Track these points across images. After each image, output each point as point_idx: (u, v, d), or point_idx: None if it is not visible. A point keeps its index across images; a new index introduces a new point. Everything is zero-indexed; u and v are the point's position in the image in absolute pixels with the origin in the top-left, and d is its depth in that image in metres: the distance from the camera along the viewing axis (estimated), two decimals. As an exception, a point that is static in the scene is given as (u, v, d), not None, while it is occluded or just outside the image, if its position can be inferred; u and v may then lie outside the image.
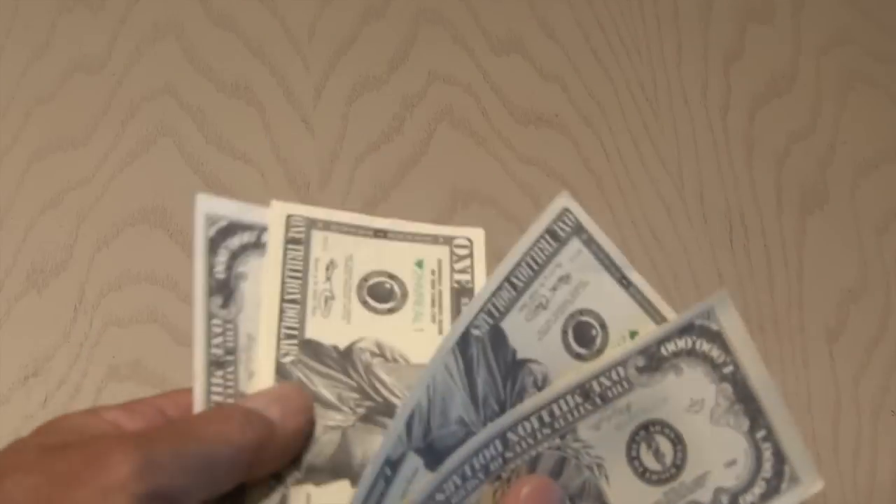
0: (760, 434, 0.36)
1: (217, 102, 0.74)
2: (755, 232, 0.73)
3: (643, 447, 0.35)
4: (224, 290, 0.37)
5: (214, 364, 0.36)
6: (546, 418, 0.34)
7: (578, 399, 0.35)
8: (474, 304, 0.36)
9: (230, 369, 0.36)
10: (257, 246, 0.38)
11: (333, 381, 0.37)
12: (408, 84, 0.76)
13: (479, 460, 0.34)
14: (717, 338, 0.36)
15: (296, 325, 0.37)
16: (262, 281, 0.38)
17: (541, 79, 0.78)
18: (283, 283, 0.37)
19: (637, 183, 0.74)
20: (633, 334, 0.37)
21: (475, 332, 0.35)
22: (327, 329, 0.37)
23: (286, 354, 0.37)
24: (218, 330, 0.36)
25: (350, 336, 0.38)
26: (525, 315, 0.36)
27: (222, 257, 0.38)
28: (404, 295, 0.38)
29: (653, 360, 0.35)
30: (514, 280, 0.37)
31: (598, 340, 0.37)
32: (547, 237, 0.37)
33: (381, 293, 0.38)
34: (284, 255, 0.38)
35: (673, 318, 0.38)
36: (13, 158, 0.70)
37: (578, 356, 0.37)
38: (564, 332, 0.37)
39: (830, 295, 0.71)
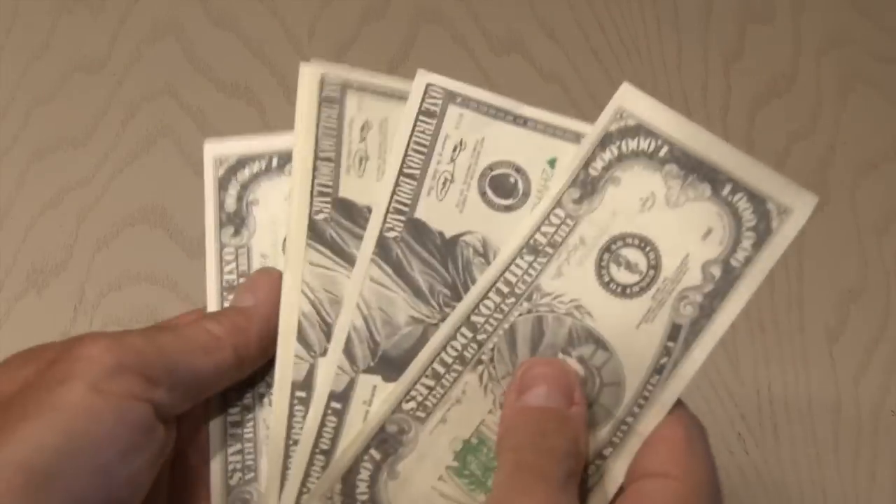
0: (726, 190, 0.34)
1: (217, 102, 0.74)
2: (755, 232, 0.73)
3: (613, 268, 0.34)
4: (235, 219, 0.37)
5: (227, 289, 0.36)
6: (504, 289, 0.34)
7: (528, 258, 0.34)
8: (376, 211, 0.35)
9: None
10: (268, 171, 0.38)
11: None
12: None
13: (451, 353, 0.33)
14: (639, 130, 0.35)
15: (329, 183, 0.36)
16: (295, 141, 0.37)
17: (541, 79, 0.78)
18: (316, 141, 0.37)
19: (637, 183, 0.74)
20: (552, 162, 0.35)
21: (390, 234, 0.35)
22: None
23: (319, 212, 0.36)
24: (230, 257, 0.37)
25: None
26: (435, 196, 0.35)
27: (232, 190, 0.38)
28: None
29: (586, 186, 0.34)
30: (409, 170, 0.35)
31: (521, 185, 0.36)
32: (422, 118, 0.36)
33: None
34: (319, 113, 0.38)
35: (587, 129, 0.36)
36: (13, 158, 0.70)
37: (507, 208, 0.36)
38: (483, 193, 0.36)
39: (830, 295, 0.71)
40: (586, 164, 0.34)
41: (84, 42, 0.75)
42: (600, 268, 0.34)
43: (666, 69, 0.79)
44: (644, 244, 0.33)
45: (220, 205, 0.37)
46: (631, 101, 0.36)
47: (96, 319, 0.65)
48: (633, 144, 0.34)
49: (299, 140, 0.36)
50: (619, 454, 0.32)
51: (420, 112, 0.35)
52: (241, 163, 0.38)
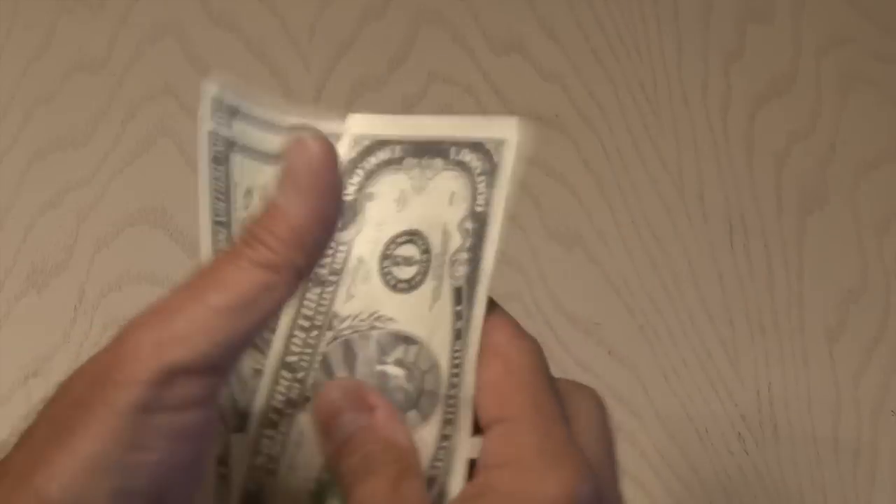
0: (452, 154, 0.35)
1: (217, 102, 0.74)
2: (755, 232, 0.73)
3: (394, 270, 0.34)
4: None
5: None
6: (305, 324, 0.34)
7: (316, 290, 0.34)
8: (203, 250, 0.35)
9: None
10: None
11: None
12: (408, 84, 0.76)
13: (279, 398, 0.34)
14: (374, 147, 0.35)
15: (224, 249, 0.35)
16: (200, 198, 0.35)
17: (541, 79, 0.78)
18: (211, 203, 0.35)
19: (637, 183, 0.74)
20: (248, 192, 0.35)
21: None
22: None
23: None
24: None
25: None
26: None
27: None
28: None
29: (346, 213, 0.35)
30: (218, 219, 0.35)
31: None
32: (214, 165, 0.35)
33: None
34: (211, 172, 0.35)
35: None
36: (13, 158, 0.70)
37: None
38: None
39: (830, 295, 0.71)
40: (360, 188, 0.35)
41: (84, 42, 0.75)
42: (384, 275, 0.34)
43: (666, 69, 0.79)
44: (411, 236, 0.35)
45: (214, 183, 0.35)
46: (360, 127, 0.36)
47: (96, 319, 0.65)
48: (374, 160, 0.35)
49: (201, 199, 0.35)
50: (459, 426, 0.33)
51: (211, 161, 0.35)
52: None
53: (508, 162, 0.35)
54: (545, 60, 0.78)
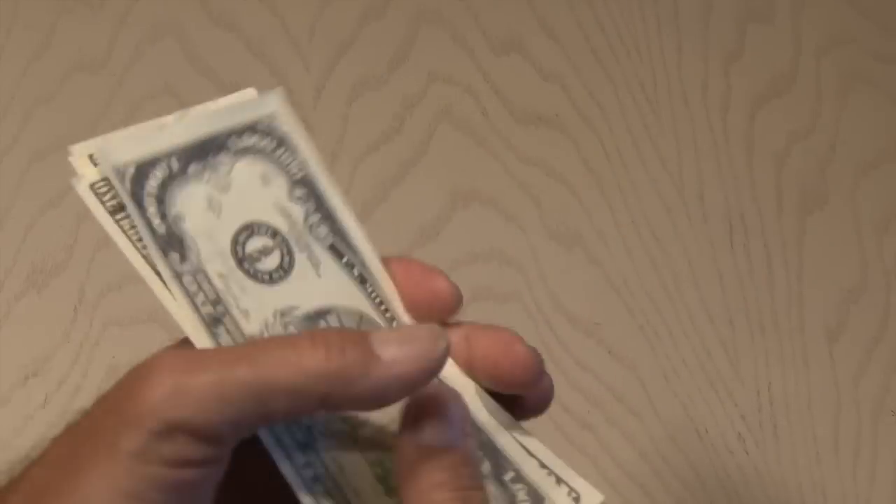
0: (233, 146, 0.34)
1: (217, 102, 0.74)
2: (755, 232, 0.73)
3: (259, 266, 0.34)
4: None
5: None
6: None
7: (217, 330, 0.33)
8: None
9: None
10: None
11: None
12: (408, 84, 0.76)
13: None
14: (143, 172, 0.34)
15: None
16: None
17: (541, 79, 0.78)
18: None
19: (637, 183, 0.74)
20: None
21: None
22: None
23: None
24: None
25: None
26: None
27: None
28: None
29: (167, 245, 0.33)
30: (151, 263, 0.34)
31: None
32: (117, 217, 0.35)
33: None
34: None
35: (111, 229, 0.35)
36: (13, 158, 0.70)
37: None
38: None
39: (830, 295, 0.71)
40: (140, 238, 0.34)
41: (84, 42, 0.75)
42: (254, 276, 0.34)
43: (666, 69, 0.79)
44: (249, 230, 0.34)
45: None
46: (112, 155, 0.36)
47: (96, 319, 0.65)
48: (154, 183, 0.34)
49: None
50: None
51: (112, 212, 0.35)
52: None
53: (294, 127, 0.35)
54: (545, 60, 0.78)
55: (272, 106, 0.35)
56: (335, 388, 0.29)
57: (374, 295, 0.35)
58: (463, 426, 0.31)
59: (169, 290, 0.33)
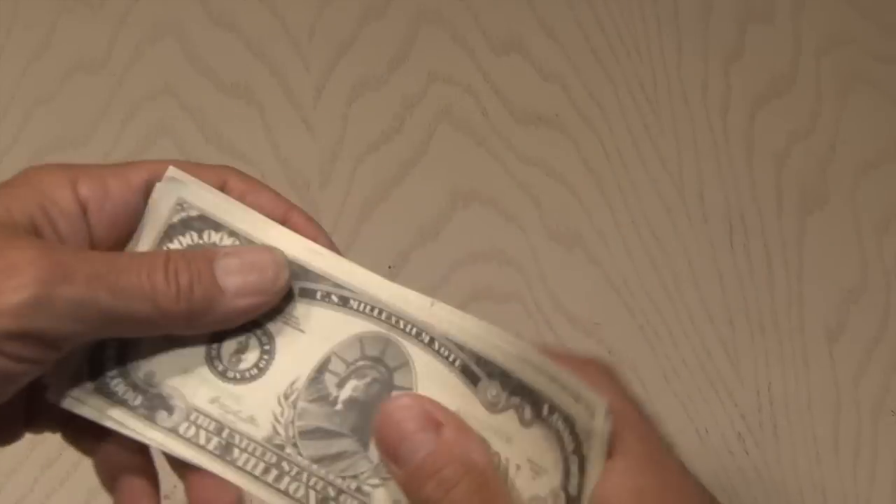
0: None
1: (217, 102, 0.74)
2: (755, 232, 0.73)
3: (236, 363, 0.33)
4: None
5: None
6: (272, 466, 0.33)
7: (236, 457, 0.33)
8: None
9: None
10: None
11: None
12: (408, 84, 0.76)
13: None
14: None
15: None
16: None
17: (541, 79, 0.78)
18: None
19: (637, 183, 0.74)
20: None
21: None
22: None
23: None
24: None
25: None
26: None
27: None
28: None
29: (150, 404, 0.33)
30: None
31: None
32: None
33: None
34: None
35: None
36: (13, 158, 0.70)
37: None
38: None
39: (830, 295, 0.71)
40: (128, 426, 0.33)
41: (84, 42, 0.75)
42: (242, 379, 0.33)
43: (666, 69, 0.79)
44: (215, 340, 0.33)
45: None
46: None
47: (96, 319, 0.65)
48: (110, 353, 0.34)
49: None
50: None
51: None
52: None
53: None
54: (545, 60, 0.78)
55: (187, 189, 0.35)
56: (180, 322, 0.31)
57: (363, 307, 0.34)
58: (424, 425, 0.31)
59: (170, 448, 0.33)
